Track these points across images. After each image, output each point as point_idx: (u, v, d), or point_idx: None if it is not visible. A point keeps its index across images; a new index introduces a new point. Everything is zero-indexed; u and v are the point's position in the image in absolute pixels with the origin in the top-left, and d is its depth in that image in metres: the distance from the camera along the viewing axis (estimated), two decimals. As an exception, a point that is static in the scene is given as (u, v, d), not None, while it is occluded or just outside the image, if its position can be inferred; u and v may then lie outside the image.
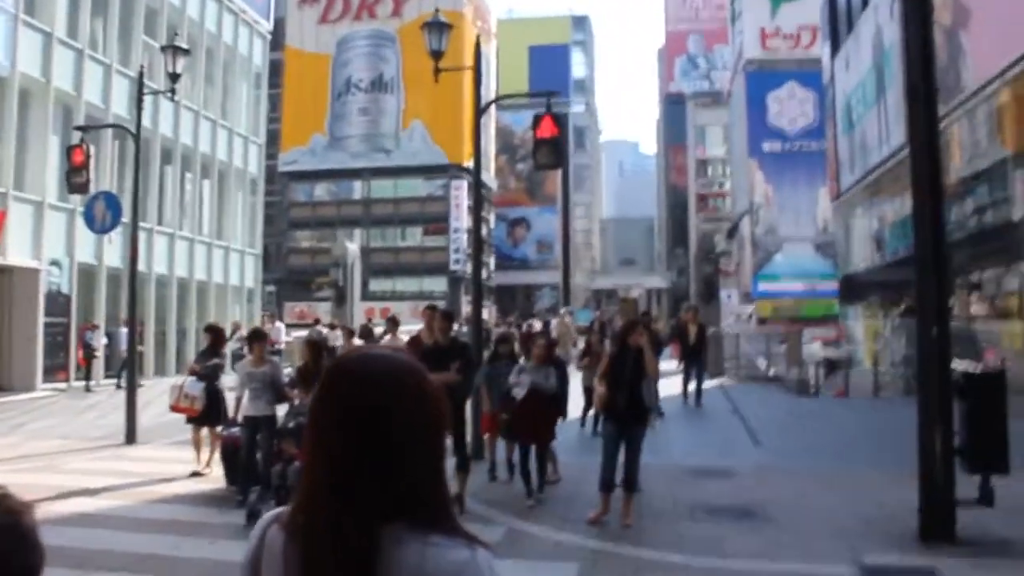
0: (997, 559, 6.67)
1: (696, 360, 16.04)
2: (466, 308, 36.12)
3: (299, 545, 1.33)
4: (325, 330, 23.15)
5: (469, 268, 63.45)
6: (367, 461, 1.32)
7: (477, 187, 12.39)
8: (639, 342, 7.86)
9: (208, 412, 9.83)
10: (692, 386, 15.99)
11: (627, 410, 7.72)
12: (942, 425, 6.81)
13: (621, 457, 7.84)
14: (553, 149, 11.48)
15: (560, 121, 11.67)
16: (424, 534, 1.32)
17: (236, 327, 23.35)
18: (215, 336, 10.15)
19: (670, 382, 14.71)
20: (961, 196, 19.90)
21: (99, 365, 22.97)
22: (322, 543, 1.31)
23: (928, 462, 6.90)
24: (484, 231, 71.70)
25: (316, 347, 8.85)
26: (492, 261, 75.98)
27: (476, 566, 1.32)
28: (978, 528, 7.16)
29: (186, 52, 14.33)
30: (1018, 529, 7.28)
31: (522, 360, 9.38)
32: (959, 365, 7.65)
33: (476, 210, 12.19)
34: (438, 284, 62.16)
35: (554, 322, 31.21)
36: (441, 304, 53.80)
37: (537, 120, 11.49)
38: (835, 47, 29.57)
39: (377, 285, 63.77)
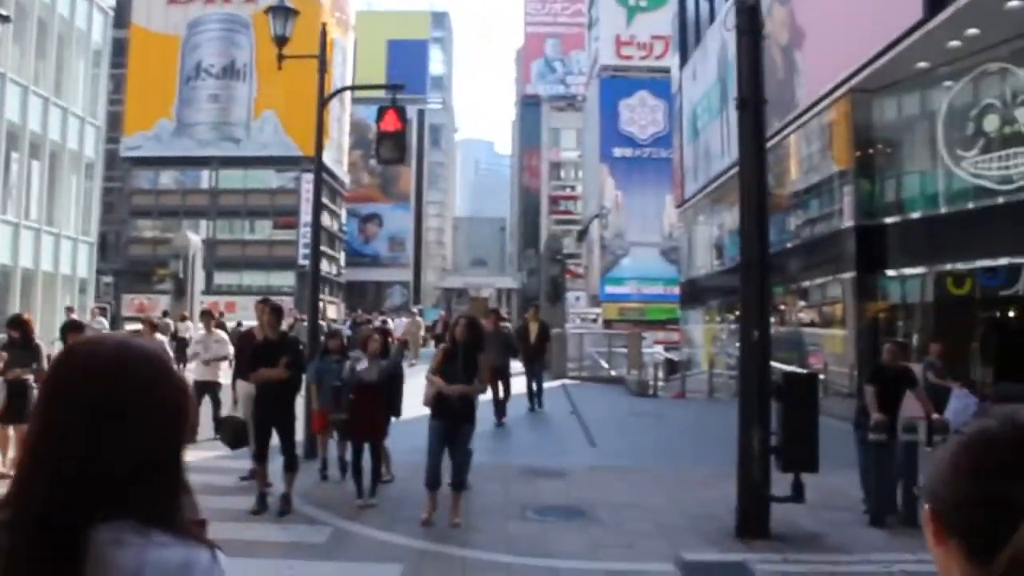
0: (805, 552, 7.00)
1: (537, 360, 15.61)
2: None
3: (5, 539, 1.19)
4: (169, 321, 22.24)
5: (321, 263, 62.21)
6: (84, 451, 1.22)
7: (318, 174, 12.05)
8: (463, 336, 7.79)
9: (10, 409, 9.14)
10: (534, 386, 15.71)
11: (457, 408, 7.65)
12: (760, 425, 7.06)
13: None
14: (397, 143, 11.32)
15: (405, 115, 11.50)
16: (144, 533, 1.22)
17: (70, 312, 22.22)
18: (23, 329, 9.41)
19: (516, 382, 14.77)
20: (795, 208, 20.94)
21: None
22: (27, 538, 1.19)
23: (746, 461, 7.15)
24: (335, 226, 71.02)
25: (153, 328, 8.39)
26: (343, 257, 75.00)
27: (193, 569, 1.23)
28: (789, 523, 7.48)
29: (6, 19, 13.34)
30: (825, 524, 7.65)
31: (357, 354, 9.16)
32: (781, 368, 7.99)
33: (316, 197, 11.88)
34: (286, 279, 60.80)
35: (404, 321, 31.02)
36: (288, 300, 52.68)
37: (381, 113, 11.30)
38: (684, 58, 30.59)
39: (223, 279, 61.89)
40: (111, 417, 1.24)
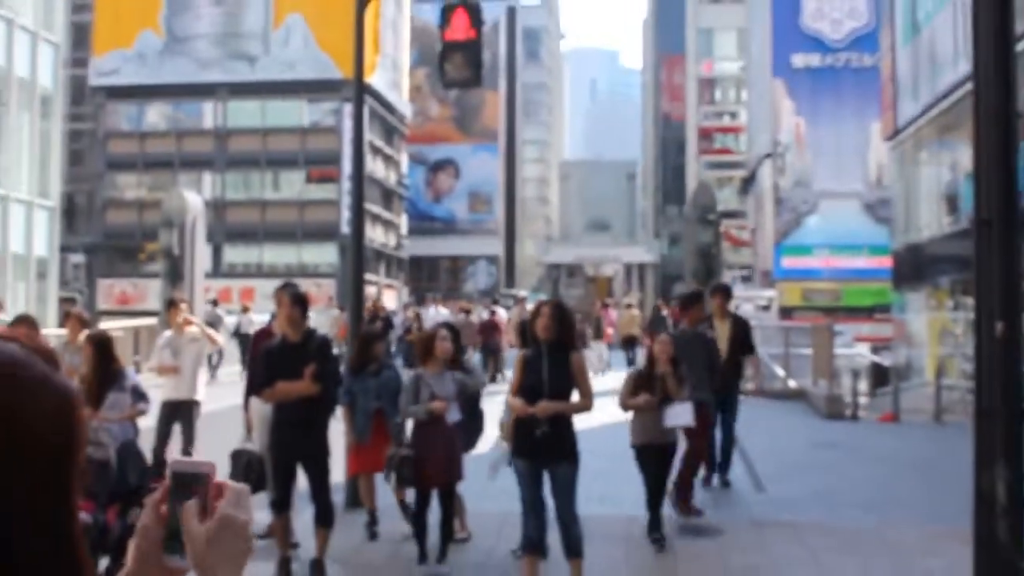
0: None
1: (731, 385, 12.24)
2: (370, 290, 36.11)
3: None
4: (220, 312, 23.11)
5: (373, 232, 63.00)
6: None
7: (359, 96, 12.10)
8: (546, 332, 7.66)
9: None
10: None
11: (547, 439, 7.58)
12: (1006, 463, 6.85)
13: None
14: (469, 58, 11.32)
15: (479, 16, 11.47)
16: None
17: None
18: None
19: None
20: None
21: None
22: None
23: (985, 515, 6.95)
24: (393, 178, 71.85)
25: (102, 346, 8.60)
26: (404, 221, 75.67)
27: None
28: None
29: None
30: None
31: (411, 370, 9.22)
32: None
33: (357, 131, 11.98)
34: (326, 255, 61.68)
35: (508, 312, 31.31)
36: (328, 284, 53.63)
37: (446, 14, 11.33)
38: (894, -80, 29.91)
39: (236, 255, 63.07)
40: None
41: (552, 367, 7.48)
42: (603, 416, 15.09)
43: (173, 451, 11.62)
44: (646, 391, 8.62)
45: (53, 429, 1.24)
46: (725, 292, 13.87)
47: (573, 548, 7.65)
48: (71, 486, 1.27)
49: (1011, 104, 7.26)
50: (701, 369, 10.42)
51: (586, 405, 7.64)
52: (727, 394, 11.91)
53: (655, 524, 9.01)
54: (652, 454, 8.80)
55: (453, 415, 8.49)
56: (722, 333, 12.26)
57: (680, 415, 8.86)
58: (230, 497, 1.42)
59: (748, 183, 68.73)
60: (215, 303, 29.40)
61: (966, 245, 25.42)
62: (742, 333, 12.60)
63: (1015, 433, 7.02)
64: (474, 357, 21.02)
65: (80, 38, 62.12)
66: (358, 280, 12.14)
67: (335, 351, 11.41)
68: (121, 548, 7.86)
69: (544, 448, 7.49)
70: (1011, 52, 7.35)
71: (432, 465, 8.49)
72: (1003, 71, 7.21)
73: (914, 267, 30.71)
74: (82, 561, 1.28)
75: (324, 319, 31.21)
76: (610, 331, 30.76)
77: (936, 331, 27.97)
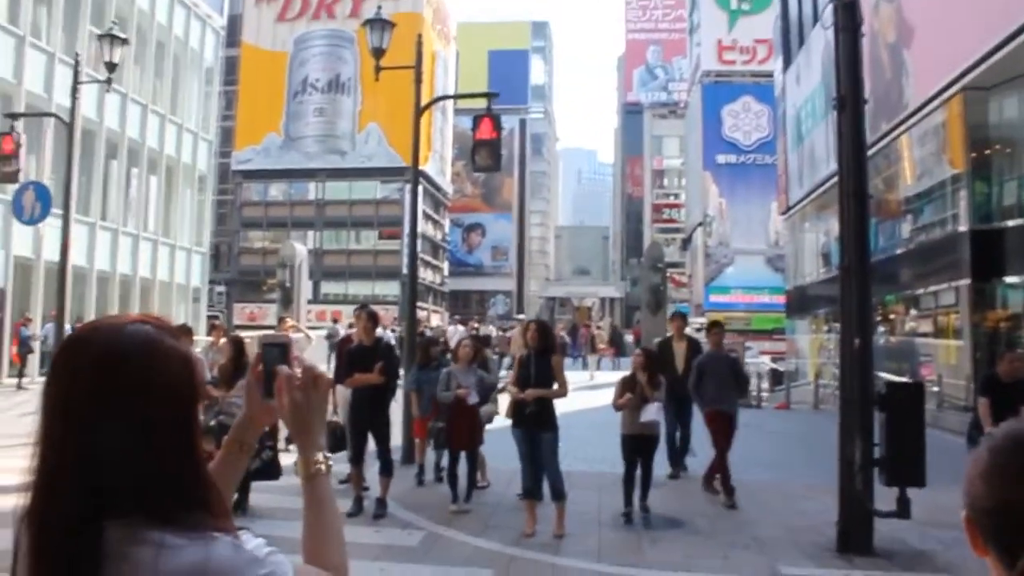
0: (911, 571, 6.70)
1: (684, 400, 10.28)
2: (421, 314, 36.05)
3: (28, 535, 1.20)
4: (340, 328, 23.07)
5: (424, 273, 63.45)
6: (76, 461, 1.18)
7: (415, 180, 12.23)
8: (533, 341, 7.82)
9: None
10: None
11: (533, 414, 7.63)
12: (861, 436, 6.82)
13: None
14: (492, 151, 11.41)
15: (500, 125, 11.57)
16: (161, 530, 1.18)
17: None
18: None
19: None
20: (906, 212, 20.22)
21: (35, 361, 22.41)
22: (46, 534, 1.18)
23: (847, 474, 6.92)
24: (439, 236, 72.03)
25: (238, 345, 8.67)
26: (446, 266, 75.91)
27: (210, 568, 1.17)
28: (894, 540, 7.20)
29: (124, 41, 14.00)
30: (933, 541, 7.32)
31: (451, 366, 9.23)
32: (885, 377, 7.68)
33: (413, 203, 12.07)
34: (391, 288, 61.71)
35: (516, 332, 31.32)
36: (392, 309, 53.49)
37: (476, 121, 11.43)
38: (787, 61, 29.95)
39: (329, 288, 63.29)
40: (95, 419, 1.18)
41: (538, 366, 7.68)
42: (587, 402, 15.05)
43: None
44: (631, 392, 8.32)
45: (180, 382, 1.25)
46: (683, 318, 12.06)
47: (556, 493, 7.71)
48: (195, 421, 1.28)
49: (864, 187, 7.28)
50: (727, 384, 9.42)
51: (561, 392, 7.76)
52: (684, 397, 9.93)
53: (627, 500, 8.33)
54: (630, 442, 8.38)
55: (473, 398, 8.50)
56: (679, 351, 10.75)
57: (650, 412, 8.26)
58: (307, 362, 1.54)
59: (686, 242, 68.63)
60: (336, 321, 29.40)
61: (834, 287, 25.39)
62: (695, 350, 10.63)
63: (867, 416, 7.00)
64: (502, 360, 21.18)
65: (226, 137, 62.51)
66: (412, 309, 12.23)
67: None
68: (243, 489, 7.85)
69: (532, 421, 7.65)
70: (863, 152, 7.37)
71: (457, 433, 8.55)
72: (858, 165, 7.23)
73: (800, 302, 30.59)
74: (207, 476, 1.28)
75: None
76: (602, 346, 30.71)
77: (815, 347, 27.84)
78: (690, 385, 9.57)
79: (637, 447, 8.37)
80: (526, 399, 7.65)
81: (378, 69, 11.60)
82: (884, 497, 7.10)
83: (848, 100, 7.07)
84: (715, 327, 10.30)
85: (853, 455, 6.83)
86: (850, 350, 7.05)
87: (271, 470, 7.49)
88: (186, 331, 10.58)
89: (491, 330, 28.72)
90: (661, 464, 9.49)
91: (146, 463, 1.20)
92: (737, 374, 9.76)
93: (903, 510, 6.85)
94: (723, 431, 9.29)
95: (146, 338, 1.25)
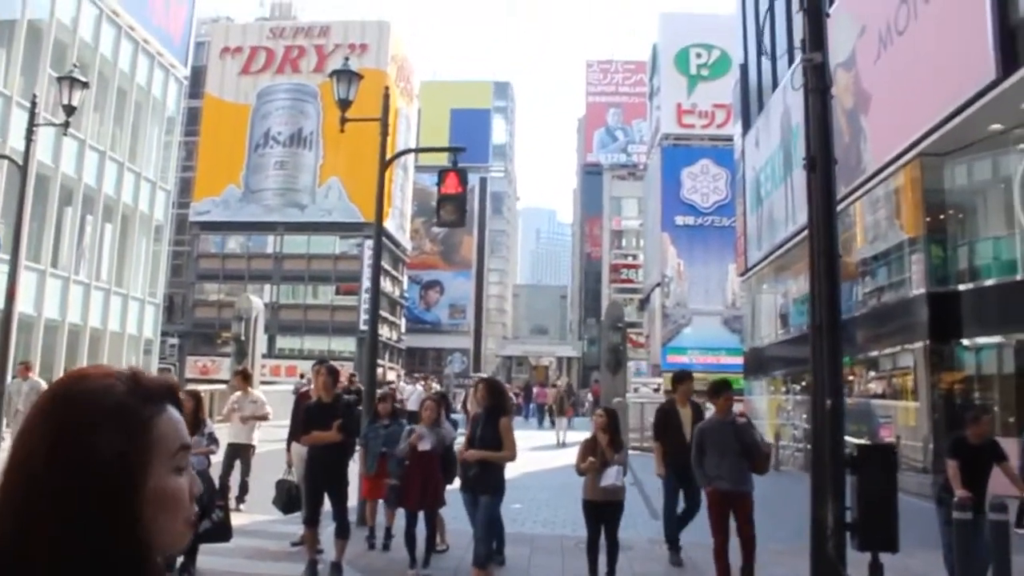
0: (886, 641, 6.50)
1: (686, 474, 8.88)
2: (378, 371, 35.66)
3: None
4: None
5: (381, 329, 62.92)
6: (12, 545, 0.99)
7: (378, 234, 12.05)
8: (481, 400, 7.63)
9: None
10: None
11: (473, 475, 7.38)
12: (834, 499, 6.64)
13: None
14: (457, 206, 11.27)
15: (466, 180, 11.46)
16: None
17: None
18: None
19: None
20: (862, 275, 20.42)
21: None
22: None
23: (819, 537, 6.72)
24: (397, 292, 71.64)
25: (196, 399, 8.37)
26: (403, 323, 75.43)
27: None
28: (867, 607, 6.98)
29: (84, 84, 13.73)
30: (907, 609, 7.14)
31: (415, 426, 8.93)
32: (852, 441, 7.55)
33: (376, 256, 11.82)
34: (347, 344, 61.21)
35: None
36: (348, 365, 53.02)
37: (442, 176, 11.29)
38: (746, 125, 30.41)
39: (285, 343, 62.65)
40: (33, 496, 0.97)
41: (485, 426, 7.37)
42: (552, 462, 14.77)
43: (233, 480, 11.24)
44: (592, 456, 7.86)
45: (124, 444, 1.01)
46: (690, 378, 10.21)
47: (475, 558, 7.35)
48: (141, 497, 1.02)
49: (834, 246, 7.21)
50: (734, 457, 7.91)
51: (506, 456, 7.37)
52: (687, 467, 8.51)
53: (592, 569, 7.89)
54: (592, 509, 7.88)
55: (425, 444, 8.14)
56: (686, 417, 9.61)
57: (609, 476, 7.72)
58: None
59: (644, 303, 68.94)
60: (302, 376, 28.49)
61: (793, 349, 25.49)
62: (699, 416, 9.56)
63: (839, 478, 6.84)
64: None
65: (185, 188, 61.99)
66: (372, 364, 11.95)
67: None
68: (191, 552, 7.47)
69: (473, 483, 7.38)
70: (834, 211, 7.33)
71: (411, 492, 8.21)
72: (828, 224, 7.18)
73: (757, 363, 30.64)
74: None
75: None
76: (571, 409, 29.35)
77: (773, 408, 27.82)
78: (692, 458, 8.21)
79: (599, 513, 7.90)
80: (467, 460, 7.39)
81: (343, 120, 11.44)
82: (854, 562, 6.93)
83: (819, 160, 7.03)
84: (723, 389, 8.37)
85: (826, 519, 6.64)
86: (822, 411, 6.90)
87: (221, 531, 7.13)
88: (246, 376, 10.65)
89: (450, 388, 28.11)
90: (628, 527, 9.20)
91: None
92: (746, 445, 8.02)
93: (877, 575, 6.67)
94: (744, 516, 7.94)
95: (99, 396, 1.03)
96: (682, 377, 10.12)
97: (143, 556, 1.01)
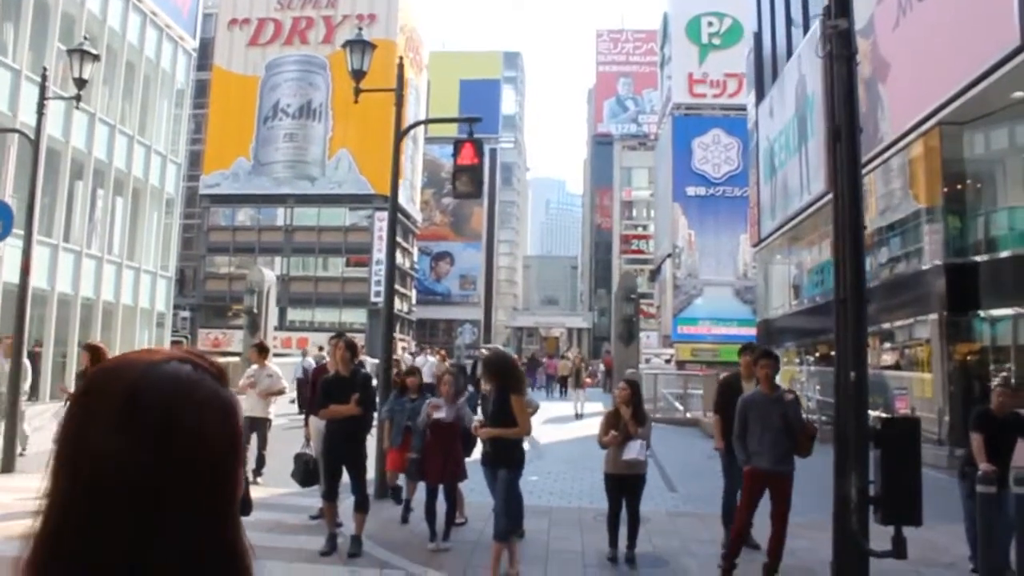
0: (910, 614, 6.47)
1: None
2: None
3: None
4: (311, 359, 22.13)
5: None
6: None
7: (393, 209, 11.97)
8: (486, 384, 7.53)
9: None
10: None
11: (490, 451, 7.30)
12: (858, 474, 6.59)
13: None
14: (473, 177, 11.17)
15: (482, 151, 11.35)
16: None
17: None
18: (94, 355, 9.25)
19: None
20: (877, 246, 20.26)
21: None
22: None
23: (843, 511, 6.66)
24: (407, 264, 71.59)
25: (262, 353, 8.34)
26: (414, 294, 75.45)
27: None
28: (890, 581, 6.96)
29: (95, 57, 13.62)
30: (930, 583, 7.10)
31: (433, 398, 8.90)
32: (873, 413, 7.47)
33: (391, 233, 11.73)
34: (358, 316, 61.30)
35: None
36: (360, 337, 53.01)
37: (458, 147, 11.18)
38: (760, 95, 30.10)
39: (296, 315, 62.76)
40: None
41: (496, 403, 7.20)
42: (568, 434, 14.75)
43: (250, 454, 11.25)
44: (615, 429, 7.81)
45: (220, 434, 0.99)
46: (771, 358, 8.03)
47: (495, 532, 7.23)
48: (236, 482, 1.02)
49: (859, 217, 7.11)
50: (777, 434, 7.54)
51: (518, 432, 7.19)
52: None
53: (612, 541, 7.93)
54: (614, 482, 7.88)
55: (441, 412, 8.17)
56: (749, 391, 8.22)
57: (632, 450, 7.68)
58: None
59: (655, 274, 68.75)
60: (321, 348, 28.31)
61: (805, 320, 25.38)
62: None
63: (863, 452, 6.77)
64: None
65: (194, 161, 61.89)
66: (388, 337, 11.87)
67: None
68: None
69: (491, 459, 7.27)
70: (859, 182, 7.22)
71: (431, 465, 8.20)
72: (854, 195, 7.07)
73: (770, 335, 30.55)
74: (243, 549, 1.04)
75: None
76: (588, 380, 29.22)
77: (787, 380, 27.74)
78: (734, 434, 7.74)
79: (620, 486, 7.89)
80: (481, 437, 7.37)
81: (357, 91, 11.31)
82: (877, 536, 6.88)
83: (844, 129, 6.91)
84: (765, 357, 7.82)
85: (849, 493, 6.58)
86: (845, 384, 6.83)
87: (241, 505, 7.12)
88: (263, 349, 10.64)
89: (460, 359, 28.03)
90: (645, 500, 9.17)
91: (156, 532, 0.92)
92: (790, 422, 7.58)
93: (900, 550, 6.61)
94: (782, 495, 7.58)
95: (184, 383, 0.99)
96: (752, 350, 9.01)
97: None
